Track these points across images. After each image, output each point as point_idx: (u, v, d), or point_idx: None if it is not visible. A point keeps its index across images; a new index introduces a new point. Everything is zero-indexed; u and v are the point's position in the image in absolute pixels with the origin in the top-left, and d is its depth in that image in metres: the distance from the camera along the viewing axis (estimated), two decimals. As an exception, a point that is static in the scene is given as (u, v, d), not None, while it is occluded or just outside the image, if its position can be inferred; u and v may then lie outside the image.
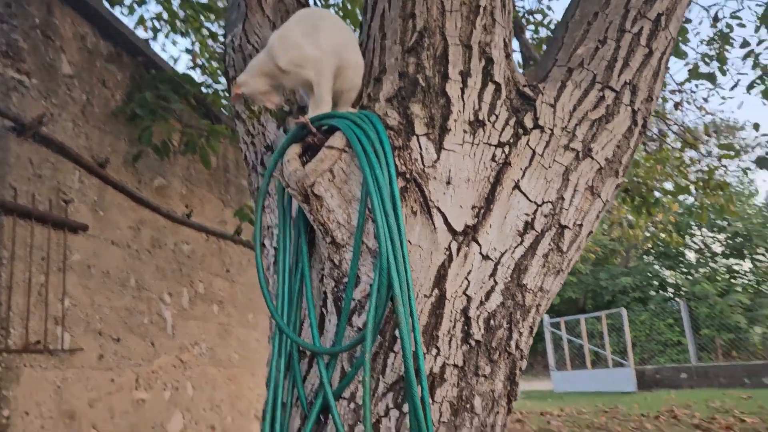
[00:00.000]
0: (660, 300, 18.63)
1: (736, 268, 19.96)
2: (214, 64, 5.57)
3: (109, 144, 3.93)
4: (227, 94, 5.68)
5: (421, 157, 1.36)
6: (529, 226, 1.40)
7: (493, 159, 1.40)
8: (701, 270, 19.87)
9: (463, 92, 1.41)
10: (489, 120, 1.42)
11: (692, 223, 19.43)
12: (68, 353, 3.32)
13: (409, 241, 1.31)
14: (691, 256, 20.47)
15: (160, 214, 4.36)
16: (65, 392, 3.29)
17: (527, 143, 1.43)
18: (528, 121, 1.44)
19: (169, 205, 4.55)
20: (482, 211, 1.37)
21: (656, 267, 20.41)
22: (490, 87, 1.44)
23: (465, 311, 1.32)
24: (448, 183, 1.36)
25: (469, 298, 1.33)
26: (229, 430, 5.06)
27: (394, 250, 1.22)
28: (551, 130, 1.45)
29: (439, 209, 1.34)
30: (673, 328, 16.42)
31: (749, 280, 19.08)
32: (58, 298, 3.29)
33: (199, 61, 5.62)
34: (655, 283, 19.99)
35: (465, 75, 1.42)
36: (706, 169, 6.27)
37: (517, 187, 1.40)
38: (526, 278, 1.38)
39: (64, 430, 3.25)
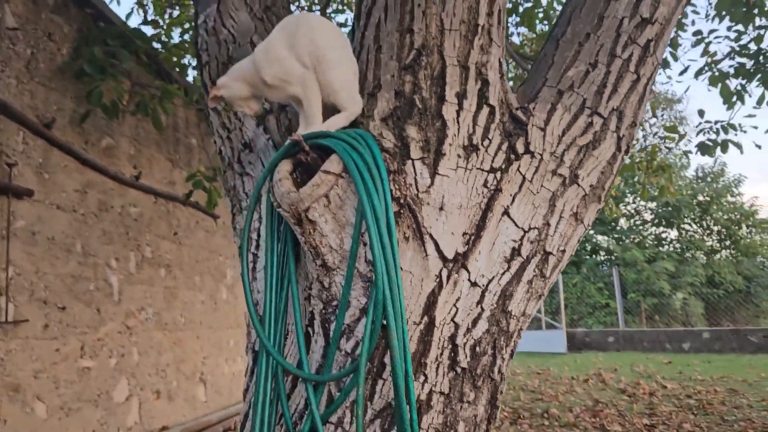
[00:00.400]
0: (592, 264, 19.40)
1: (663, 236, 20.95)
2: (167, 18, 5.29)
3: (54, 102, 3.71)
4: (192, 65, 5.43)
5: (416, 182, 1.35)
6: (515, 252, 1.41)
7: (485, 185, 1.40)
8: (632, 236, 20.75)
9: (458, 115, 1.39)
10: (482, 144, 1.41)
11: (627, 191, 20.17)
12: (12, 325, 3.19)
13: (400, 267, 1.31)
14: (623, 222, 21.31)
15: (107, 177, 4.18)
16: (9, 364, 3.18)
17: (518, 169, 1.44)
18: (519, 146, 1.45)
19: (117, 167, 4.37)
20: (472, 237, 1.37)
21: (591, 232, 21.19)
22: (485, 110, 1.42)
23: (452, 338, 1.34)
24: (441, 209, 1.35)
25: (456, 326, 1.34)
26: (174, 394, 5.03)
27: (390, 282, 1.21)
28: (540, 155, 1.46)
29: (431, 236, 1.34)
30: (603, 291, 17.19)
31: (675, 248, 20.09)
32: (1, 268, 3.14)
33: (150, 15, 5.33)
34: (588, 247, 20.77)
35: (461, 97, 1.40)
36: (649, 147, 6.48)
37: (506, 213, 1.41)
38: (511, 305, 1.41)
39: (9, 404, 3.15)
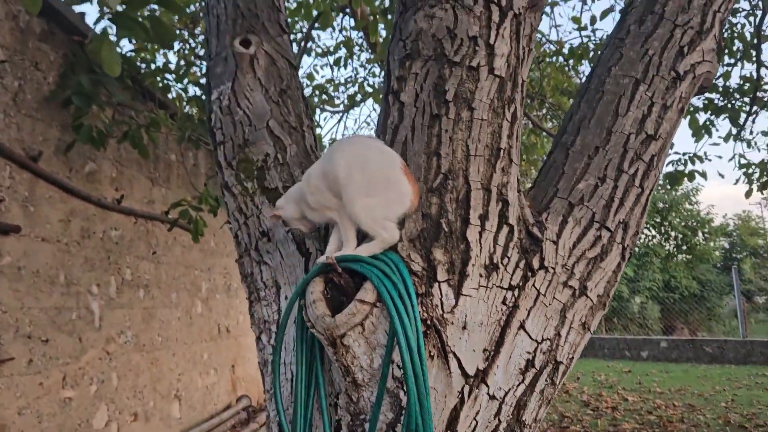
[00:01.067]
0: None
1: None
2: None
3: (40, 132, 3.67)
4: (182, 91, 5.38)
5: (441, 304, 1.43)
6: (530, 364, 1.51)
7: (504, 302, 1.49)
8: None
9: (480, 236, 1.48)
10: (502, 263, 1.50)
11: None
12: (-1, 365, 3.17)
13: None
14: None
15: (90, 203, 4.15)
16: (-6, 404, 3.16)
17: (533, 284, 1.53)
18: (535, 262, 1.54)
19: (99, 191, 4.34)
20: (492, 353, 1.47)
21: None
22: (504, 229, 1.51)
23: (473, 451, 1.43)
24: (464, 328, 1.44)
25: (476, 438, 1.44)
26: (150, 414, 5.03)
27: (420, 399, 1.29)
28: (554, 268, 1.56)
29: (454, 354, 1.42)
30: (565, 294, 17.61)
31: (634, 254, 20.70)
32: (-12, 308, 3.12)
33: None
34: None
35: (483, 218, 1.49)
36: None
37: (522, 327, 1.51)
38: (525, 414, 1.51)
39: (-6, 445, 3.14)
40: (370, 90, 7.08)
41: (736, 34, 5.58)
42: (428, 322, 1.40)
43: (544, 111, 7.90)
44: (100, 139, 3.82)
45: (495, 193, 1.51)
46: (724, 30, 1.76)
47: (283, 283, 1.77)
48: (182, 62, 5.72)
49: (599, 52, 1.89)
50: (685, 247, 20.34)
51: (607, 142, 1.68)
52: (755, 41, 5.35)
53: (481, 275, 1.47)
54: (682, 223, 20.00)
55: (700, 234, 20.21)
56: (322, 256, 1.49)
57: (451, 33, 1.52)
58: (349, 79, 7.64)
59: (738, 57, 5.67)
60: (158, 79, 4.77)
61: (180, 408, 5.68)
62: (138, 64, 4.67)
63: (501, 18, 1.54)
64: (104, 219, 4.39)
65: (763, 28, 5.27)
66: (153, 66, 4.73)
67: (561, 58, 6.64)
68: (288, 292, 1.75)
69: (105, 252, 4.40)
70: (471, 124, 1.50)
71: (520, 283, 1.52)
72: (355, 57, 7.31)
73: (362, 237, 1.48)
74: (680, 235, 20.13)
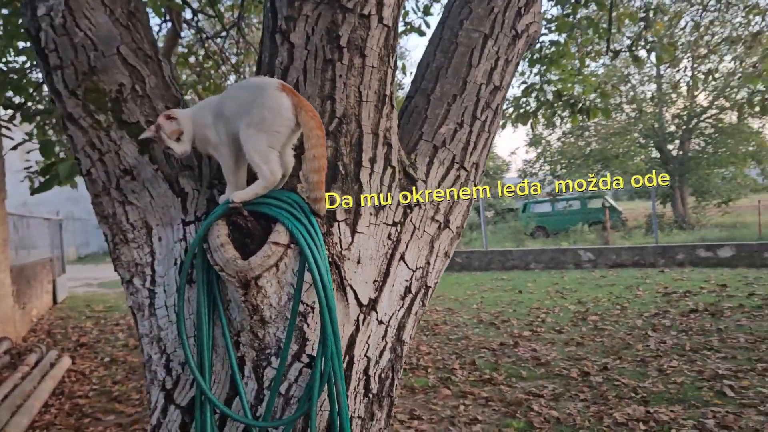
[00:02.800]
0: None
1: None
2: None
3: None
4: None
5: (340, 242, 1.53)
6: (407, 290, 1.71)
7: (389, 237, 1.65)
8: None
9: (370, 177, 1.60)
10: (387, 202, 1.64)
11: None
12: None
13: (328, 317, 1.51)
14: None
15: None
16: None
17: (410, 220, 1.71)
18: (413, 200, 1.71)
19: None
20: (380, 284, 1.62)
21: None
22: (389, 171, 1.65)
23: (366, 370, 1.60)
24: (358, 262, 1.57)
25: (368, 359, 1.60)
26: None
27: (335, 333, 1.41)
28: (425, 205, 1.75)
29: (351, 286, 1.55)
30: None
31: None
32: None
33: None
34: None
35: (372, 161, 1.60)
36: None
37: (402, 258, 1.69)
38: (404, 334, 1.71)
39: None
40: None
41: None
42: (330, 259, 1.50)
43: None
44: None
45: (381, 137, 1.62)
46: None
47: (155, 224, 1.69)
48: None
49: (448, 2, 2.05)
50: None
51: (463, 91, 1.88)
52: None
53: (371, 214, 1.60)
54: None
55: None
56: (222, 197, 1.49)
57: (345, -22, 1.55)
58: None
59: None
60: None
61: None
62: None
63: (389, -32, 1.61)
64: None
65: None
66: None
67: None
68: (162, 233, 1.69)
69: None
70: (363, 70, 1.57)
71: (401, 220, 1.68)
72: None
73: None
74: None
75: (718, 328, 6.04)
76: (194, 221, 1.65)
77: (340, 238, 1.54)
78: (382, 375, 1.65)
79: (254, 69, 8.36)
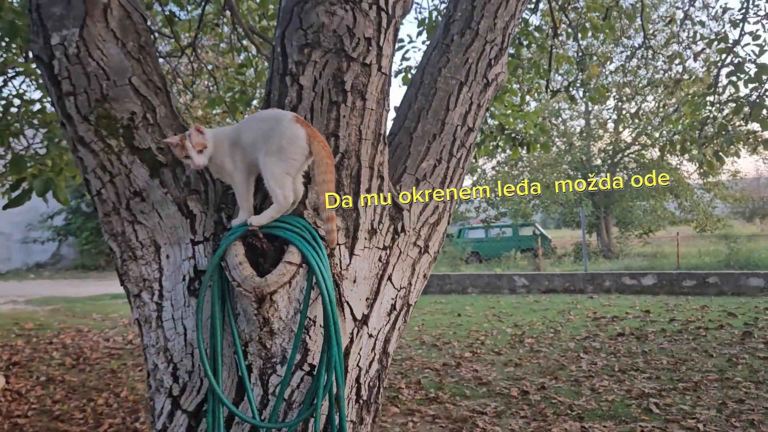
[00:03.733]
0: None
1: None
2: None
3: None
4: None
5: (340, 263, 1.72)
6: (393, 307, 1.91)
7: (379, 259, 1.85)
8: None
9: (366, 206, 1.80)
10: (379, 228, 1.85)
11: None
12: None
13: (328, 330, 1.69)
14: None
15: None
16: None
17: (397, 244, 1.92)
18: (399, 227, 1.92)
19: None
20: (371, 301, 1.82)
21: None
22: (381, 200, 1.86)
23: (357, 379, 1.78)
24: (354, 281, 1.76)
25: (360, 369, 1.79)
26: None
27: (338, 345, 1.59)
28: (408, 232, 1.96)
29: (348, 303, 1.74)
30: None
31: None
32: None
33: None
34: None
35: (368, 192, 1.80)
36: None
37: (389, 279, 1.89)
38: (390, 347, 1.91)
39: None
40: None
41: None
42: (332, 278, 1.69)
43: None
44: None
45: (376, 170, 1.83)
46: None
47: (164, 243, 1.83)
48: None
49: (426, 51, 2.30)
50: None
51: (441, 131, 2.11)
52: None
53: (365, 238, 1.80)
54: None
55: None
56: (235, 221, 1.65)
57: (351, 32, 1.76)
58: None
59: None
60: None
61: None
62: None
63: (387, 23, 1.84)
64: None
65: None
66: None
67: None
68: (170, 251, 1.83)
69: None
70: (363, 112, 1.79)
71: (390, 244, 1.89)
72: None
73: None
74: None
75: (643, 350, 6.50)
76: (203, 241, 1.81)
77: (340, 259, 1.73)
78: (371, 383, 1.84)
79: (205, 88, 8.40)
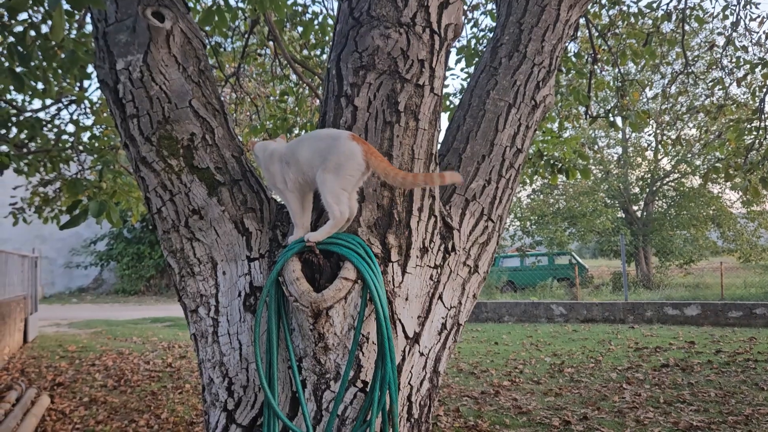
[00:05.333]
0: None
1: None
2: None
3: None
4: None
5: (393, 280, 1.74)
6: (444, 326, 1.91)
7: (431, 278, 1.86)
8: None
9: (418, 224, 1.82)
10: (430, 246, 1.86)
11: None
12: None
13: (381, 347, 1.70)
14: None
15: None
16: None
17: (448, 263, 1.93)
18: (450, 246, 1.93)
19: None
20: (423, 319, 1.83)
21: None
22: (432, 219, 1.88)
23: (409, 397, 1.78)
24: (407, 299, 1.77)
25: (411, 387, 1.79)
26: None
27: (392, 362, 1.60)
28: (459, 251, 1.97)
29: (400, 320, 1.75)
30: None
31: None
32: None
33: None
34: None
35: (420, 210, 1.83)
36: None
37: (440, 298, 1.90)
38: (440, 366, 1.91)
39: None
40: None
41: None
42: (386, 295, 1.71)
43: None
44: None
45: (427, 190, 1.86)
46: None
47: (220, 260, 1.88)
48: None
49: (474, 73, 2.34)
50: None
51: (490, 152, 2.13)
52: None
53: (417, 256, 1.82)
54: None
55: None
56: (291, 238, 1.69)
57: (405, 54, 1.81)
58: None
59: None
60: None
61: None
62: None
63: (440, 46, 1.88)
64: None
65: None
66: None
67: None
68: (226, 267, 1.87)
69: None
70: (416, 132, 1.82)
71: (441, 263, 1.90)
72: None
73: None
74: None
75: (689, 382, 6.31)
76: (258, 258, 1.85)
77: (393, 276, 1.74)
78: (422, 402, 1.84)
79: (247, 116, 8.60)
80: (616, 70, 6.84)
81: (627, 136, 20.93)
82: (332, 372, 1.67)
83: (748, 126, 6.49)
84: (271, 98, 7.50)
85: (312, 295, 1.57)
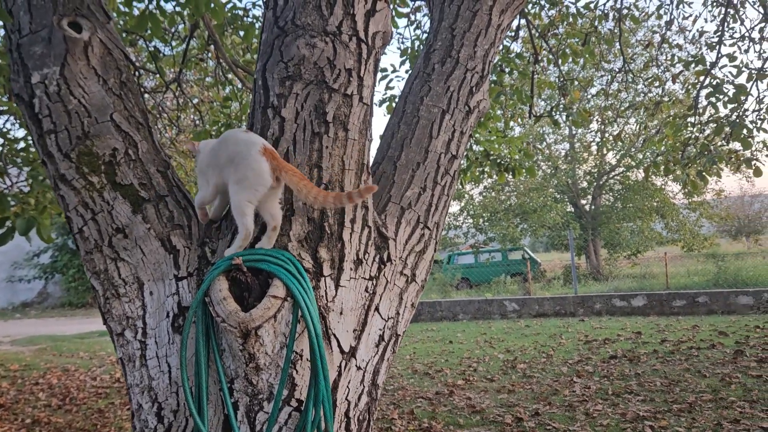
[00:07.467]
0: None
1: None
2: None
3: None
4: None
5: (326, 294, 1.70)
6: (381, 338, 1.88)
7: (366, 290, 1.83)
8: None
9: (351, 236, 1.79)
10: (364, 258, 1.83)
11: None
12: None
13: (315, 364, 1.66)
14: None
15: None
16: None
17: (384, 274, 1.90)
18: (385, 256, 1.91)
19: None
20: (359, 332, 1.80)
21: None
22: (366, 230, 1.84)
23: (347, 413, 1.75)
24: (341, 313, 1.74)
25: (349, 402, 1.76)
26: None
27: (326, 379, 1.57)
28: (395, 261, 1.95)
29: (335, 335, 1.72)
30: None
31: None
32: None
33: None
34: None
35: (353, 222, 1.79)
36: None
37: (377, 309, 1.87)
38: (379, 379, 1.88)
39: None
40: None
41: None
42: (318, 310, 1.67)
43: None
44: None
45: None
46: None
47: (147, 280, 1.81)
48: None
49: (408, 80, 2.32)
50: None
51: (425, 159, 2.12)
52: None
53: (351, 269, 1.79)
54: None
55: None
56: (223, 257, 1.64)
57: (331, 64, 1.77)
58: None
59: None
60: None
61: None
62: None
63: (368, 54, 1.85)
64: None
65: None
66: None
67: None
68: (153, 288, 1.80)
69: None
70: (346, 142, 1.79)
71: (376, 274, 1.87)
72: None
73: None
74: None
75: (636, 372, 6.48)
76: (187, 276, 1.79)
77: (326, 291, 1.71)
78: (360, 417, 1.80)
79: (191, 123, 8.41)
80: (558, 69, 6.96)
81: (573, 133, 21.40)
82: (265, 392, 1.62)
83: (685, 122, 6.69)
84: (215, 104, 7.35)
85: (240, 315, 1.52)
